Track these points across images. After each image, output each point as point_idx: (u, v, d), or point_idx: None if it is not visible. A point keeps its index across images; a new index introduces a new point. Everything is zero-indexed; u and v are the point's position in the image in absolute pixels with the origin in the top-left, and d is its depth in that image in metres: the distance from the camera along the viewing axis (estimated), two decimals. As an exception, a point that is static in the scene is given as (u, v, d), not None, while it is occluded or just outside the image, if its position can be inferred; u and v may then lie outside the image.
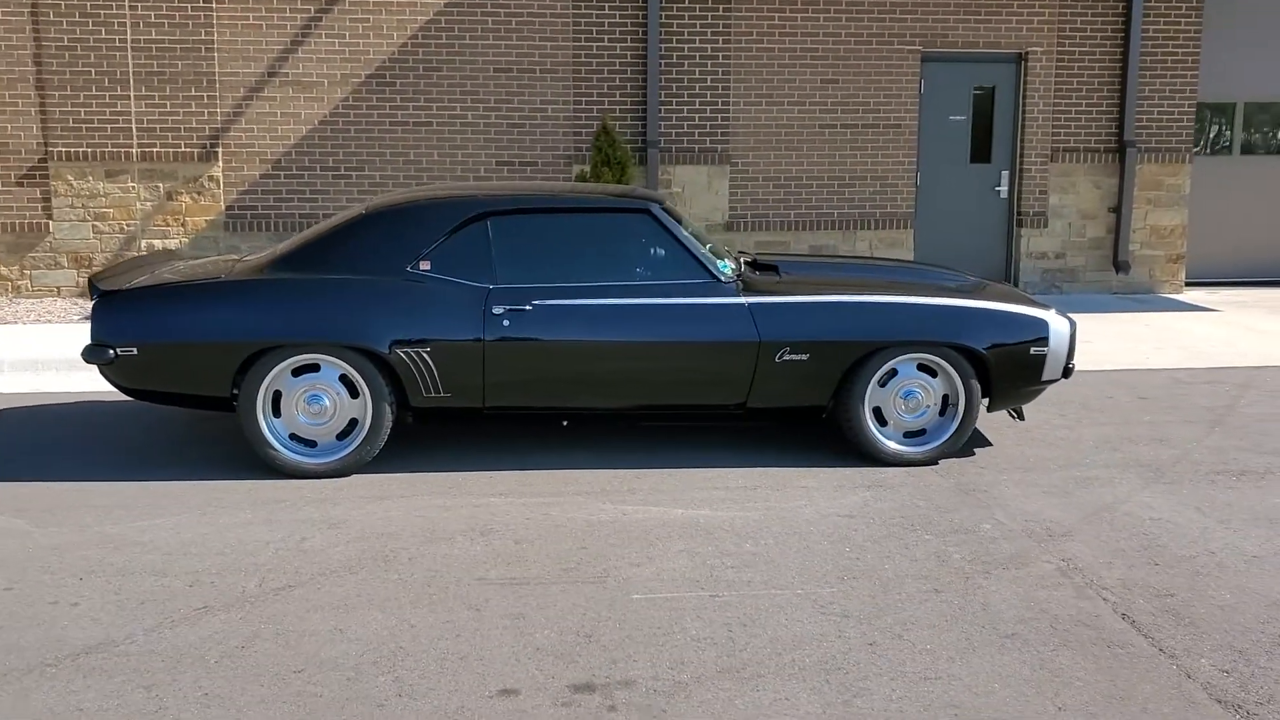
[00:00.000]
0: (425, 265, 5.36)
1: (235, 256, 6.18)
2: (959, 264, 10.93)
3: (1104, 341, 8.76)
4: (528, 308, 5.29)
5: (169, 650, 3.52)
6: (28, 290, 10.05)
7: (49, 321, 8.95)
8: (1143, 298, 11.15)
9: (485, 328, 5.26)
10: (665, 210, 5.59)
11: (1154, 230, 11.36)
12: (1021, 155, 11.11)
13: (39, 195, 9.97)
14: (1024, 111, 11.03)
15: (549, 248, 5.47)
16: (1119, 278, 11.35)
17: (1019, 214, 11.21)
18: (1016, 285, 11.24)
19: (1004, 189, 11.23)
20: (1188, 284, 11.85)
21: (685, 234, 5.55)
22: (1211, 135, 12.23)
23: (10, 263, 10.02)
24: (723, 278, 5.47)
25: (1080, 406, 6.77)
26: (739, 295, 5.43)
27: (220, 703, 3.20)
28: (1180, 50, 11.14)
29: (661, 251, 5.53)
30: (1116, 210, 11.24)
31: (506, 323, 5.28)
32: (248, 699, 3.23)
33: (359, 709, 3.17)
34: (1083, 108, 11.11)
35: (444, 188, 6.03)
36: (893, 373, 5.51)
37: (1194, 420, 6.43)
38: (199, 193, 10.16)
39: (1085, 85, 11.08)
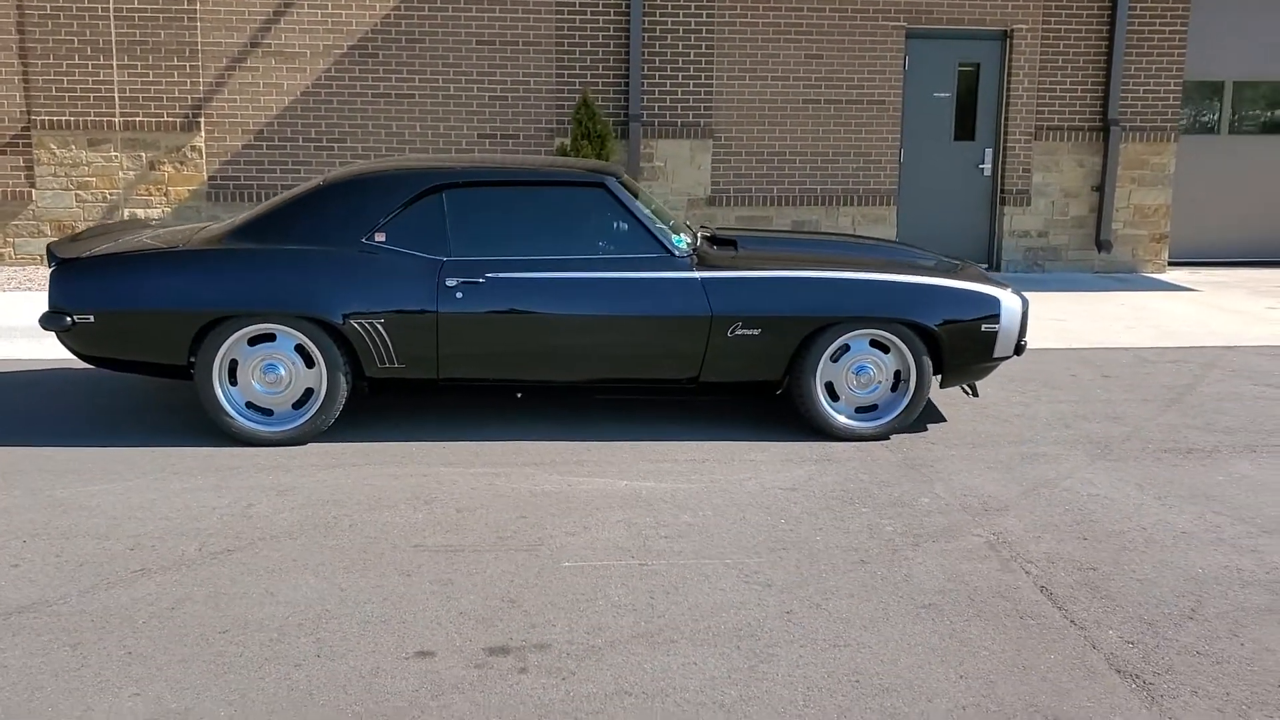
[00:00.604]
0: (380, 237, 5.41)
1: (198, 226, 6.24)
2: (941, 241, 10.96)
3: (1077, 320, 8.79)
4: (481, 280, 5.35)
5: (100, 611, 3.61)
6: (10, 258, 10.13)
7: (29, 289, 9.03)
8: (1124, 277, 11.16)
9: (438, 300, 5.32)
10: (621, 184, 5.63)
11: (1137, 209, 11.36)
12: (1005, 133, 11.10)
13: (22, 164, 10.03)
14: (1008, 89, 11.02)
15: (504, 221, 5.52)
16: (1101, 257, 11.36)
17: (1002, 192, 11.21)
18: (999, 263, 11.27)
19: (987, 166, 11.23)
20: (1172, 264, 11.87)
21: (640, 208, 5.59)
22: (1199, 114, 12.19)
23: (-6, 230, 10.10)
24: (676, 252, 5.51)
25: (1041, 384, 6.81)
26: (692, 270, 5.47)
27: (142, 661, 3.29)
28: (1167, 29, 11.10)
29: (616, 225, 5.57)
30: (1100, 189, 11.24)
31: (460, 295, 5.33)
32: (169, 658, 3.31)
33: (276, 669, 3.25)
34: (1067, 85, 11.09)
35: (401, 160, 6.08)
36: (845, 348, 5.56)
37: (1152, 399, 6.47)
38: (181, 162, 10.21)
39: (1070, 63, 11.05)
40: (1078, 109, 11.14)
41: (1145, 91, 11.18)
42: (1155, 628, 3.57)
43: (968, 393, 6.09)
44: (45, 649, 3.35)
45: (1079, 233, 11.35)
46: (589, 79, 10.49)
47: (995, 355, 5.63)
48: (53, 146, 10.03)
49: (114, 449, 5.30)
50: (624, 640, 3.45)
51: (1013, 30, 10.89)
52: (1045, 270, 11.31)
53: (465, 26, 10.34)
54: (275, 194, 10.25)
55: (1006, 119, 11.07)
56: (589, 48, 10.48)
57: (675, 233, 5.70)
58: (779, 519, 4.50)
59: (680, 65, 10.61)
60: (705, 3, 10.53)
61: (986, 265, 11.39)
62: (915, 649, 3.41)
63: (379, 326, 5.31)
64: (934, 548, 4.22)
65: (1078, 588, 3.87)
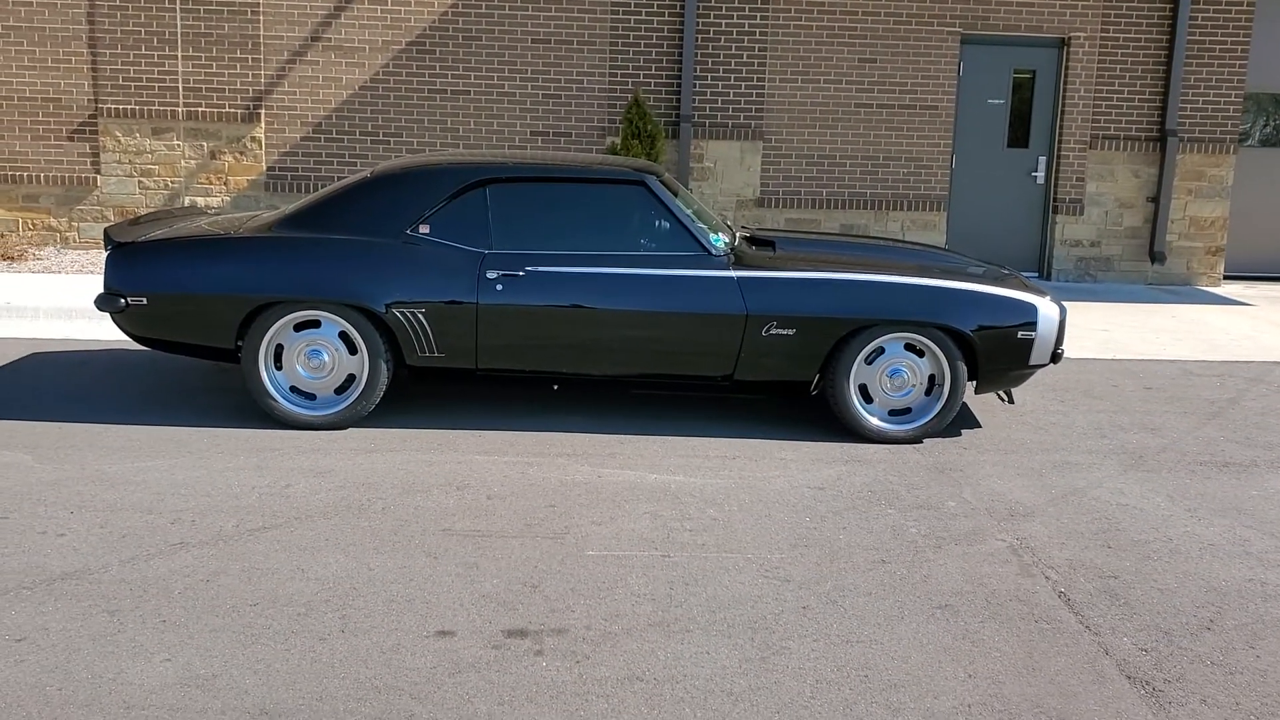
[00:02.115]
0: (424, 229, 5.53)
1: (250, 214, 6.40)
2: (992, 249, 10.92)
3: (1123, 331, 8.71)
4: (520, 274, 5.45)
5: (138, 580, 3.75)
6: (75, 242, 10.43)
7: (91, 273, 9.29)
8: (1177, 289, 11.02)
9: (479, 292, 5.43)
10: (661, 183, 5.71)
11: (1193, 221, 11.21)
12: (1060, 141, 11.01)
13: (88, 150, 10.33)
14: (1064, 97, 10.93)
15: (545, 216, 5.61)
16: (1154, 268, 11.23)
17: (1055, 201, 11.13)
18: (1050, 272, 11.18)
19: (1041, 175, 11.15)
20: (1228, 277, 11.69)
21: (679, 206, 5.66)
22: (1261, 126, 12.00)
23: (60, 214, 10.40)
24: (714, 251, 5.58)
25: (1082, 393, 6.78)
26: (729, 269, 5.53)
27: (175, 629, 3.42)
28: (1229, 39, 10.95)
29: (654, 223, 5.65)
30: (1155, 200, 11.11)
31: (500, 287, 5.43)
32: (200, 627, 3.44)
33: (301, 641, 3.37)
34: (1125, 95, 10.97)
35: (446, 154, 6.20)
36: (879, 351, 5.58)
37: (1192, 411, 6.42)
38: (241, 153, 10.44)
39: (1128, 72, 10.94)
40: (1135, 118, 11.02)
41: (1205, 102, 11.03)
42: (1171, 636, 3.57)
43: (1004, 399, 6.09)
44: (85, 614, 3.50)
45: (1132, 243, 11.23)
46: (641, 79, 10.58)
47: (1031, 363, 5.63)
48: (118, 134, 10.31)
49: (163, 428, 5.47)
50: (640, 628, 3.52)
51: (1070, 38, 10.80)
52: (1097, 280, 11.20)
53: (521, 25, 10.46)
54: (331, 185, 10.45)
55: (1061, 127, 10.98)
56: (642, 48, 10.56)
57: (713, 232, 5.76)
58: (804, 517, 4.55)
59: (732, 67, 10.66)
60: (759, 5, 10.57)
61: (1037, 274, 11.31)
62: (927, 647, 3.45)
63: (420, 316, 5.43)
64: (956, 550, 4.25)
65: (1096, 594, 3.88)
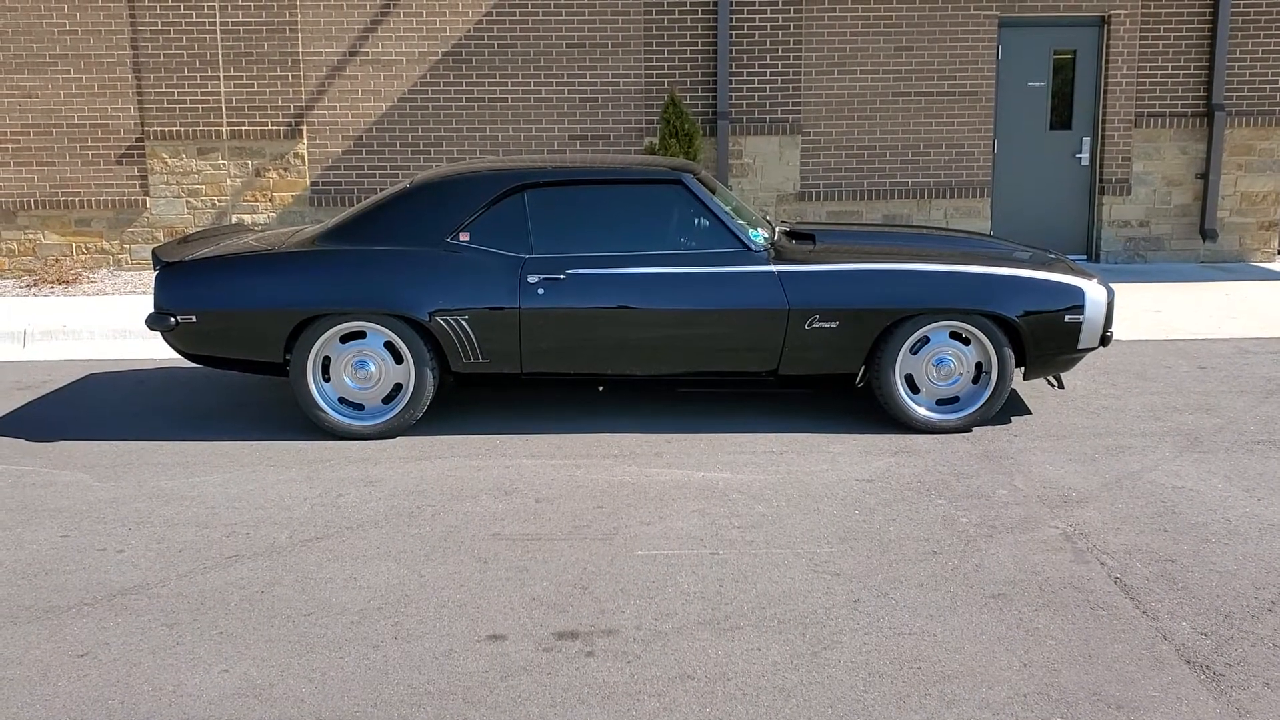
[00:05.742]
0: (464, 236, 5.57)
1: (294, 229, 6.48)
2: (1038, 233, 10.78)
3: (1175, 310, 8.57)
4: (561, 277, 5.47)
5: (196, 594, 3.81)
6: (127, 264, 10.62)
7: (143, 293, 9.45)
8: (1230, 267, 10.82)
9: (521, 296, 5.46)
10: (699, 180, 5.70)
11: (1245, 197, 11.00)
12: (1104, 121, 10.85)
13: (137, 173, 10.51)
14: (1107, 76, 10.77)
15: (583, 218, 5.63)
16: (1206, 246, 11.03)
17: (1101, 182, 10.97)
18: (1098, 254, 11.02)
19: (1085, 156, 10.99)
20: (1282, 252, 11.46)
21: (718, 204, 5.65)
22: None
23: (112, 237, 10.60)
24: (753, 246, 5.56)
25: (1134, 375, 6.68)
26: (769, 264, 5.51)
27: (232, 640, 3.47)
28: (1275, 8, 10.72)
29: (693, 221, 5.65)
30: (1204, 176, 10.91)
31: (541, 291, 5.46)
32: (256, 638, 3.49)
33: (355, 649, 3.41)
34: (1169, 71, 10.79)
35: (484, 161, 6.24)
36: (924, 340, 5.54)
37: (1249, 390, 6.30)
38: (285, 169, 10.58)
39: (1172, 47, 10.75)
40: (1180, 94, 10.83)
41: (1252, 75, 10.82)
42: (1231, 620, 3.51)
43: (1053, 385, 6.02)
44: (144, 629, 3.56)
45: (1182, 222, 11.04)
46: (677, 78, 10.57)
47: (1080, 347, 5.55)
48: (165, 156, 10.48)
49: (216, 443, 5.56)
50: (690, 626, 3.52)
51: (1110, 15, 10.64)
52: (1147, 261, 11.03)
53: (555, 30, 10.50)
54: (373, 198, 10.54)
55: (1105, 106, 10.82)
56: (677, 47, 10.55)
57: (753, 227, 5.75)
58: (853, 510, 4.52)
59: (768, 62, 10.62)
60: (793, -2, 10.52)
61: (1085, 257, 11.16)
62: (980, 638, 3.42)
63: (464, 323, 5.47)
64: (1008, 539, 4.20)
65: (1153, 579, 3.82)
